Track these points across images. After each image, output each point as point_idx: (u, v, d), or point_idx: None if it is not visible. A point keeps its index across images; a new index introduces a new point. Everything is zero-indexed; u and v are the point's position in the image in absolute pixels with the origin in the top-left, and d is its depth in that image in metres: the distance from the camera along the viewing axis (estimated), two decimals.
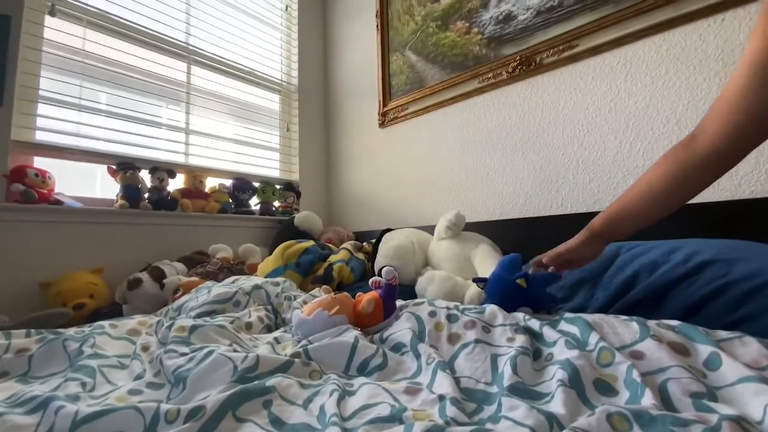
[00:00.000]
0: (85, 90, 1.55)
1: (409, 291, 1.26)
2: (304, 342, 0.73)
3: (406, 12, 1.96)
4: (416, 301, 0.85)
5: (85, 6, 1.56)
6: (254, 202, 2.06)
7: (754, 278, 0.67)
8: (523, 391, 0.52)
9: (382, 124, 2.05)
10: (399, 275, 0.88)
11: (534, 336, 0.66)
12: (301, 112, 2.33)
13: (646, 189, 0.66)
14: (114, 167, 1.56)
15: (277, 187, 2.13)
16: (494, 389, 0.56)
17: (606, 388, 0.50)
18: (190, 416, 0.46)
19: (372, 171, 2.13)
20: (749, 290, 0.66)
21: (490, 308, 0.75)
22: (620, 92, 1.25)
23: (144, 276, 1.34)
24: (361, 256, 1.58)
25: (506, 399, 0.49)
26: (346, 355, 0.67)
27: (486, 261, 1.21)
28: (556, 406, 0.46)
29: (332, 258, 1.50)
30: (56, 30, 1.49)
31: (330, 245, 1.70)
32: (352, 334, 0.71)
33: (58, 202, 1.40)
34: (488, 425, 0.45)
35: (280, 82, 2.29)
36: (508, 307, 0.77)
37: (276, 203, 2.13)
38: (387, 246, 1.40)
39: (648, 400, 0.44)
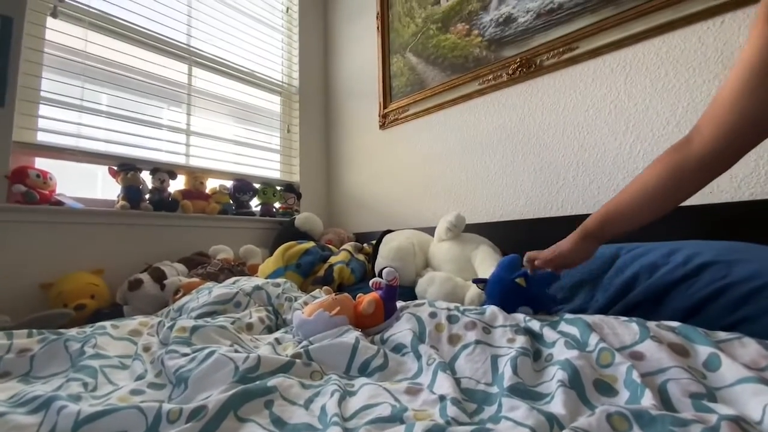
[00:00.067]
0: (87, 91, 1.56)
1: (409, 292, 1.26)
2: (305, 343, 0.73)
3: (406, 14, 1.96)
4: (417, 302, 0.85)
5: (87, 8, 1.57)
6: (255, 204, 2.06)
7: (753, 280, 0.67)
8: (523, 391, 0.52)
9: (383, 126, 2.06)
10: (399, 276, 0.88)
11: (534, 337, 0.66)
12: (301, 114, 2.34)
13: (641, 189, 0.66)
14: (115, 168, 1.56)
15: (278, 188, 2.14)
16: (495, 390, 0.56)
17: (606, 389, 0.50)
18: (192, 416, 0.47)
19: (372, 172, 2.13)
20: (749, 292, 0.66)
21: (491, 309, 0.76)
22: (620, 94, 1.26)
23: (145, 277, 1.34)
24: (361, 257, 1.58)
25: (506, 399, 0.50)
26: (347, 356, 0.67)
27: (486, 262, 1.22)
28: (557, 406, 0.46)
29: (333, 259, 1.50)
30: (58, 31, 1.50)
31: (330, 246, 1.70)
32: (353, 335, 0.71)
33: (60, 203, 1.40)
34: (489, 425, 0.45)
35: (280, 83, 2.30)
36: (508, 307, 0.77)
37: (276, 204, 2.13)
38: (387, 247, 1.41)
39: (648, 400, 0.44)
